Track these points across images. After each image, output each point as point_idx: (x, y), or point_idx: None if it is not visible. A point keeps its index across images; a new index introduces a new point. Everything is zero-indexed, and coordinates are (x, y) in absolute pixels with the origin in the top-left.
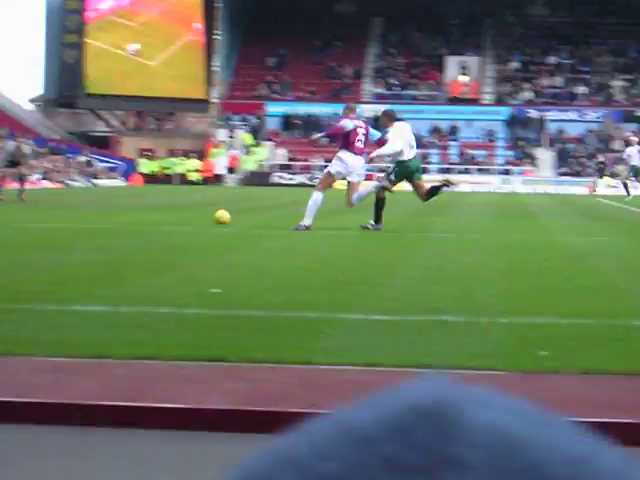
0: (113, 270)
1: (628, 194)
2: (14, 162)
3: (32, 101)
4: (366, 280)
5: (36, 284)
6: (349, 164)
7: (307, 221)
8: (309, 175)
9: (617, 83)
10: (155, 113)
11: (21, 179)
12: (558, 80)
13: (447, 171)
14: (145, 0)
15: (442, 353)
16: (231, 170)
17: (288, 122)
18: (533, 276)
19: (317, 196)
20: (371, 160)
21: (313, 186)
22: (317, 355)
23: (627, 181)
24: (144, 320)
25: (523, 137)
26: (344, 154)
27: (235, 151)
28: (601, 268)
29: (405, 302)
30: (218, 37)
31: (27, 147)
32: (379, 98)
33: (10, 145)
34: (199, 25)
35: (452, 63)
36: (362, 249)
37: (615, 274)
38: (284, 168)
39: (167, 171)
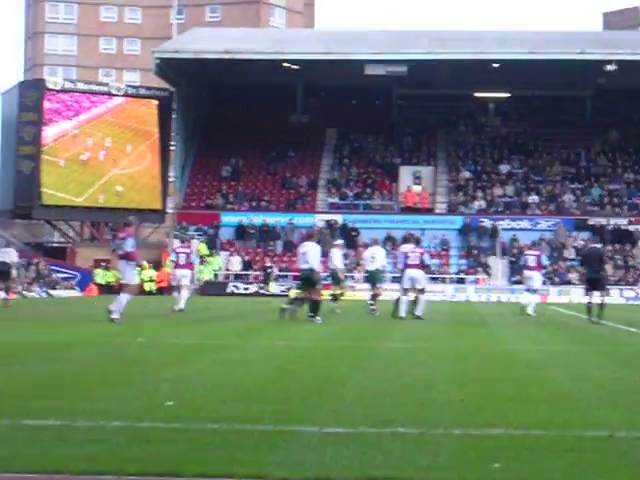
0: (66, 383)
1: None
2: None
3: None
4: (320, 391)
5: None
6: None
7: None
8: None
9: (568, 193)
10: (111, 223)
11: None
12: (510, 189)
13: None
14: (100, 115)
15: (396, 466)
16: None
17: (243, 232)
18: (487, 386)
19: None
20: None
21: (269, 295)
22: (270, 469)
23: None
24: (99, 434)
25: (476, 246)
26: None
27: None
28: (555, 378)
29: (359, 414)
30: (173, 147)
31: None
32: (334, 208)
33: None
34: (155, 136)
35: (405, 173)
36: (316, 360)
37: (569, 384)
38: (239, 278)
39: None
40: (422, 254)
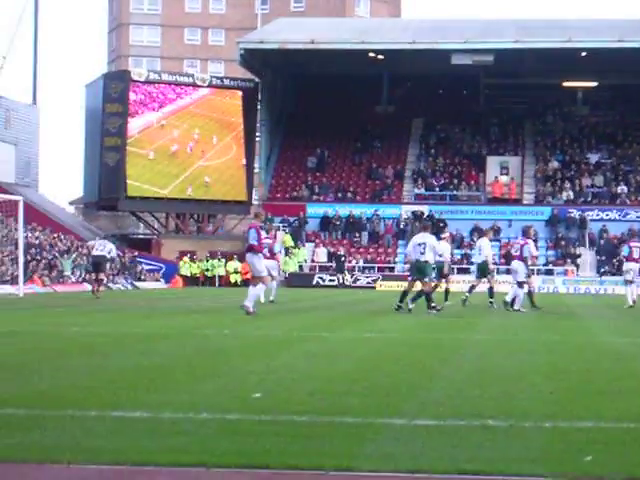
0: (153, 375)
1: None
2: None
3: (72, 203)
4: (409, 384)
5: (77, 390)
6: None
7: None
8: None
9: None
10: (196, 215)
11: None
12: (599, 179)
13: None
14: (186, 106)
15: (486, 459)
16: None
17: (328, 223)
18: (577, 378)
19: None
20: None
21: (351, 287)
22: (359, 461)
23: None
24: (186, 426)
25: (564, 237)
26: None
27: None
28: None
29: (448, 406)
30: (258, 138)
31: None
32: (420, 199)
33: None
34: (240, 127)
35: (492, 163)
36: (403, 352)
37: None
38: (324, 269)
39: (208, 273)
40: (523, 245)
